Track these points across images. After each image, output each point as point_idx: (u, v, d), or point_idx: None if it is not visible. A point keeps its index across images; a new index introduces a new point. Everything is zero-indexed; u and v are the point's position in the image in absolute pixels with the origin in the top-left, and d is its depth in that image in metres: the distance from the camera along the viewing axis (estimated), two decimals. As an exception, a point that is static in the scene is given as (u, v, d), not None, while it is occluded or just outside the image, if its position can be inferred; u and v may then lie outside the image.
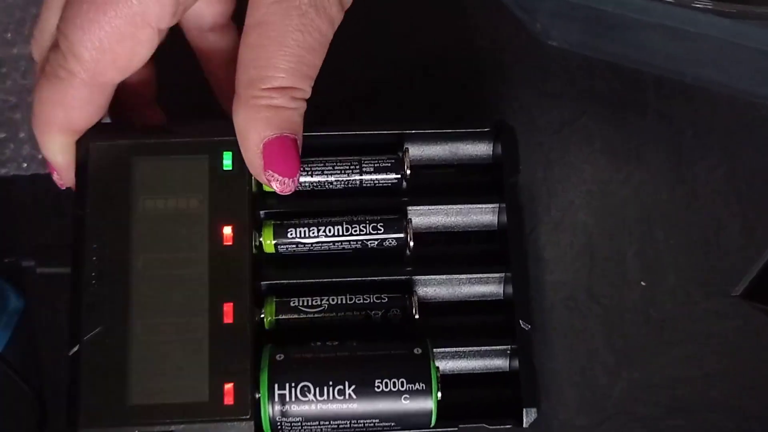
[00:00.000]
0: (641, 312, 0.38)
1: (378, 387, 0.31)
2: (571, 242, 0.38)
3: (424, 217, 0.36)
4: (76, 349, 0.31)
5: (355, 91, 0.41)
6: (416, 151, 0.36)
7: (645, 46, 0.40)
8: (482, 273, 0.35)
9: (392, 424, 0.31)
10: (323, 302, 0.34)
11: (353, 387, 0.31)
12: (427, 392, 0.31)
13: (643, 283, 0.38)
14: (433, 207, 0.36)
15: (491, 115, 0.40)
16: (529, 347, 0.34)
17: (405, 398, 0.31)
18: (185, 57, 0.37)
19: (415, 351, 0.32)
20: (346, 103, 0.41)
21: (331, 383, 0.31)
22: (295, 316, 0.34)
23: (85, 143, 0.33)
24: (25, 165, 0.42)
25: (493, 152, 0.36)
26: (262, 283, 0.34)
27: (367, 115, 0.40)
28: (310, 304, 0.34)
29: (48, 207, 0.40)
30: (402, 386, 0.31)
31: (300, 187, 0.35)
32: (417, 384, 0.31)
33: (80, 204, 0.33)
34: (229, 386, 0.31)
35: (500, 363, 0.34)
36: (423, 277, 0.35)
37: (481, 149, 0.36)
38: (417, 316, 0.34)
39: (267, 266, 0.35)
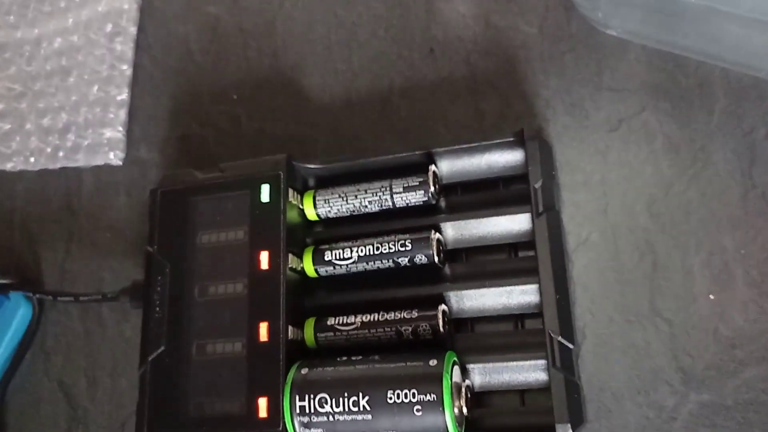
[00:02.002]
0: (710, 328, 0.34)
1: (390, 398, 0.31)
2: (631, 250, 0.35)
3: (458, 231, 0.36)
4: (143, 369, 0.36)
5: (390, 87, 0.41)
6: (447, 167, 0.37)
7: (716, 37, 0.37)
8: (516, 285, 0.34)
9: (411, 437, 0.31)
10: (356, 320, 0.35)
11: (367, 398, 0.31)
12: (437, 404, 0.31)
13: (711, 297, 0.34)
14: (464, 221, 0.36)
15: (540, 112, 0.38)
16: (566, 360, 0.32)
17: (417, 410, 0.31)
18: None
19: (430, 363, 0.32)
20: (383, 100, 0.41)
21: (346, 395, 0.32)
22: (331, 334, 0.35)
23: (155, 191, 0.38)
24: (33, 159, 0.37)
25: (524, 160, 0.36)
26: (303, 305, 0.36)
27: (402, 120, 0.40)
28: (344, 322, 0.35)
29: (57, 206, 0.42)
30: (414, 398, 0.31)
31: (338, 214, 0.37)
32: (428, 395, 0.31)
33: (150, 242, 0.38)
34: (263, 400, 0.34)
35: (542, 377, 0.33)
36: (456, 291, 0.35)
37: (513, 158, 0.36)
38: (442, 330, 0.34)
39: (310, 289, 0.37)
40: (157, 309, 0.37)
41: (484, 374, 0.34)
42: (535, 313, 0.34)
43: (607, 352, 0.35)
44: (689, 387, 0.33)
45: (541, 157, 0.34)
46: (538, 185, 0.34)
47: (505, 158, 0.36)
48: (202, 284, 0.36)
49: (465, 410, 0.32)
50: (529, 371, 0.33)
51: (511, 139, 0.35)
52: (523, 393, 0.34)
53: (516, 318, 0.35)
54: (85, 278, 0.43)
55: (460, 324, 0.36)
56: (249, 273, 0.36)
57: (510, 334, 0.35)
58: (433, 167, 0.36)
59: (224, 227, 0.37)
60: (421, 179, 0.36)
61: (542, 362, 0.33)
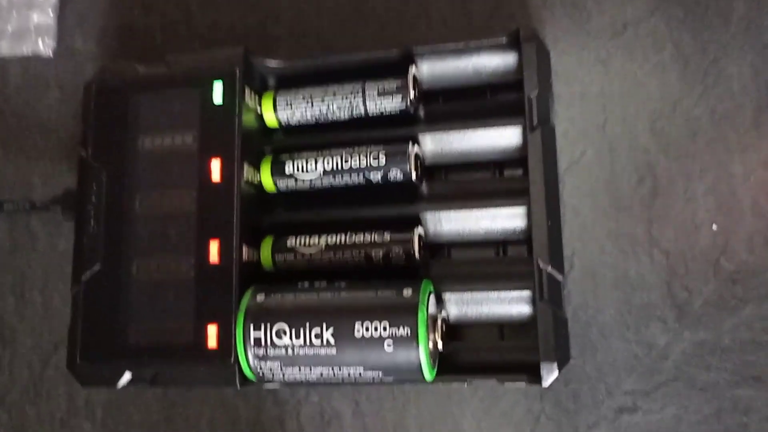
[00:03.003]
0: (711, 261, 0.31)
1: (358, 331, 0.28)
2: (629, 172, 0.32)
3: (438, 145, 0.32)
4: (75, 289, 0.31)
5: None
6: (428, 70, 0.32)
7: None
8: (502, 207, 0.30)
9: (379, 374, 0.28)
10: (320, 242, 0.31)
11: (331, 330, 0.28)
12: (411, 338, 0.27)
13: (714, 227, 0.31)
14: (447, 133, 0.31)
15: (536, 13, 0.34)
16: (553, 292, 0.29)
17: (388, 344, 0.27)
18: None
19: (404, 292, 0.28)
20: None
21: (308, 325, 0.28)
22: (291, 256, 0.31)
23: (89, 86, 0.33)
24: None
25: (517, 66, 0.31)
26: (259, 222, 0.32)
27: (378, 16, 0.35)
28: (306, 243, 0.31)
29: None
30: (384, 331, 0.27)
31: (301, 121, 0.33)
32: (401, 329, 0.27)
33: (84, 145, 0.33)
34: (212, 328, 0.30)
35: (524, 310, 0.30)
36: (434, 212, 0.31)
37: (504, 63, 0.31)
38: (417, 256, 0.30)
39: (268, 205, 0.33)
40: (92, 222, 0.32)
41: (461, 305, 0.30)
42: (521, 239, 0.31)
43: (596, 283, 0.31)
44: (684, 324, 0.30)
45: (538, 62, 0.30)
46: (533, 95, 0.30)
47: (495, 62, 0.31)
48: (144, 195, 0.32)
49: (440, 344, 0.28)
50: (512, 303, 0.30)
51: (504, 40, 0.31)
52: (502, 326, 0.31)
53: (498, 244, 0.31)
54: (11, 184, 0.38)
55: (436, 249, 0.32)
56: (198, 184, 0.31)
57: (491, 261, 0.31)
58: (413, 69, 0.31)
59: (169, 131, 0.32)
60: (398, 83, 0.31)
61: (526, 294, 0.29)
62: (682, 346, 0.30)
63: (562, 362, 0.28)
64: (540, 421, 0.31)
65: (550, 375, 0.28)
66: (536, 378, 0.28)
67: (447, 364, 0.29)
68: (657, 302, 0.31)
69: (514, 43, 0.31)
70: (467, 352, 0.30)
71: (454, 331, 0.31)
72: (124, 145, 0.32)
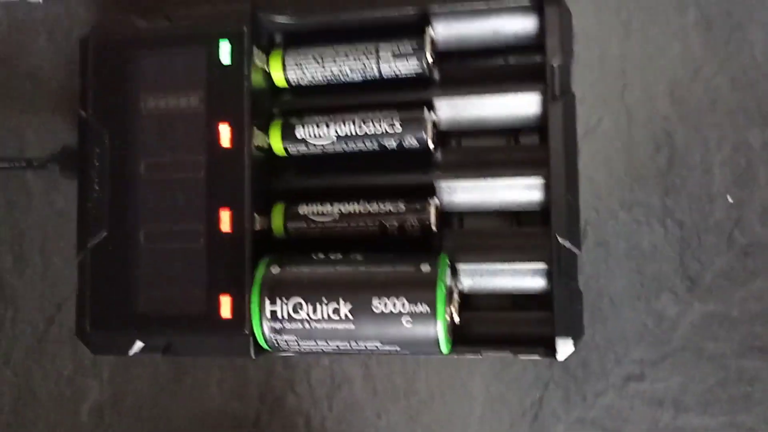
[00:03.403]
0: (724, 233, 0.31)
1: (376, 308, 0.27)
2: (646, 140, 0.31)
3: (454, 111, 0.31)
4: (82, 256, 0.31)
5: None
6: (445, 31, 0.31)
7: None
8: (519, 177, 0.30)
9: (396, 348, 0.28)
10: (334, 210, 0.31)
11: (349, 306, 0.28)
12: (430, 315, 0.27)
13: (729, 199, 0.31)
14: (464, 98, 0.30)
15: None
16: (570, 266, 0.28)
17: (407, 321, 0.27)
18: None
19: (422, 268, 0.28)
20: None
21: (325, 301, 0.28)
22: (303, 224, 0.31)
23: (85, 42, 0.31)
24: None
25: (539, 29, 0.30)
26: (270, 188, 0.31)
27: None
28: (319, 211, 0.31)
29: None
30: (403, 307, 0.27)
31: (314, 81, 0.31)
32: (419, 305, 0.27)
33: (83, 105, 0.31)
34: (225, 299, 0.29)
35: (538, 283, 0.30)
36: (448, 182, 0.30)
37: (525, 26, 0.30)
38: (434, 228, 0.30)
39: (277, 169, 0.32)
40: (96, 187, 0.31)
41: (475, 276, 0.30)
42: (535, 210, 0.30)
43: (608, 253, 0.31)
44: (694, 296, 0.31)
45: (561, 28, 0.29)
46: (556, 63, 0.29)
47: (515, 24, 0.30)
48: (150, 159, 0.31)
49: (456, 317, 0.29)
50: (526, 275, 0.30)
51: (527, 1, 0.29)
52: (515, 297, 0.31)
53: (513, 215, 0.31)
54: (3, 137, 0.37)
55: (449, 217, 0.31)
56: (206, 149, 0.30)
57: (506, 232, 0.31)
58: (430, 31, 0.30)
59: (174, 91, 0.30)
60: (415, 45, 0.30)
61: (541, 266, 0.29)
62: (691, 317, 0.31)
63: (577, 336, 0.28)
64: (549, 387, 0.32)
65: (565, 349, 0.28)
66: (551, 351, 0.28)
67: (460, 335, 0.30)
68: (669, 273, 0.31)
69: (536, 6, 0.29)
70: (480, 323, 0.30)
71: (467, 300, 0.31)
72: (126, 106, 0.31)
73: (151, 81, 0.31)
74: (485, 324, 0.30)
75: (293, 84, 0.32)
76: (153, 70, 0.31)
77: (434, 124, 0.30)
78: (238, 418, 0.34)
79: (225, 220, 0.30)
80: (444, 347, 0.28)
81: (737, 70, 0.31)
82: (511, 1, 0.29)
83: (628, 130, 0.32)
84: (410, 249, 0.30)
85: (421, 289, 0.27)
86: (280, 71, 0.31)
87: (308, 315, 0.28)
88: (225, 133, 0.30)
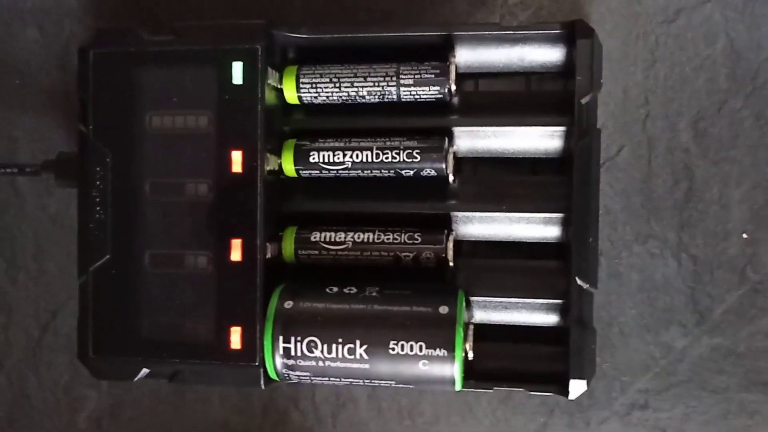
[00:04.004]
0: (737, 269, 0.31)
1: (393, 349, 0.27)
2: (665, 172, 0.31)
3: (473, 140, 0.30)
4: (84, 278, 0.30)
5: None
6: (468, 56, 0.29)
7: None
8: (538, 212, 0.29)
9: (411, 386, 0.28)
10: (347, 239, 0.30)
11: (365, 347, 0.27)
12: (449, 359, 0.27)
13: (745, 235, 0.31)
14: (484, 128, 0.29)
15: (578, 2, 0.31)
16: (587, 307, 0.28)
17: (423, 363, 0.27)
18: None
19: (441, 310, 0.27)
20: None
21: (340, 341, 0.27)
22: (315, 252, 0.30)
23: (86, 52, 0.29)
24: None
25: (566, 59, 0.29)
26: (280, 211, 0.30)
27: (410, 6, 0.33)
28: (332, 240, 0.30)
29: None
30: (420, 351, 0.27)
31: (328, 101, 0.30)
32: (438, 350, 0.27)
33: (83, 120, 0.29)
34: (236, 330, 0.29)
35: (552, 319, 0.30)
36: (465, 213, 0.30)
37: (551, 55, 0.29)
38: (451, 263, 0.29)
39: (288, 191, 0.31)
40: (98, 208, 0.29)
41: (487, 309, 0.30)
42: (553, 243, 0.30)
43: (620, 284, 0.31)
44: (703, 330, 0.31)
45: (592, 62, 0.28)
46: (585, 100, 0.28)
47: (542, 54, 0.29)
48: (155, 181, 0.29)
49: (470, 354, 0.28)
50: (540, 310, 0.29)
51: (558, 31, 0.28)
52: (528, 330, 0.30)
53: (527, 246, 0.30)
54: (-10, 136, 0.35)
55: (462, 245, 0.31)
56: (216, 174, 0.29)
57: (522, 267, 0.30)
58: (454, 56, 0.29)
59: (181, 110, 0.29)
60: (437, 70, 0.29)
61: (557, 302, 0.29)
62: (698, 350, 0.31)
63: (590, 376, 0.28)
64: (554, 413, 0.32)
65: (577, 390, 0.28)
66: (563, 389, 0.28)
67: (471, 368, 0.29)
68: (679, 307, 0.31)
69: (567, 36, 0.28)
70: (491, 356, 0.30)
71: (478, 331, 0.30)
72: (130, 124, 0.29)
73: (156, 98, 0.29)
74: (496, 358, 0.30)
75: (306, 102, 0.30)
76: (159, 87, 0.29)
77: (454, 154, 0.29)
78: (241, 433, 0.34)
79: (236, 248, 0.29)
80: (459, 385, 0.28)
81: (763, 105, 0.30)
82: (540, 31, 0.28)
83: (648, 161, 0.31)
84: (424, 279, 0.30)
85: (439, 334, 0.27)
86: (294, 91, 0.30)
87: (323, 354, 0.27)
88: (236, 158, 0.28)
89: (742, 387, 0.31)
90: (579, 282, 0.28)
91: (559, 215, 0.29)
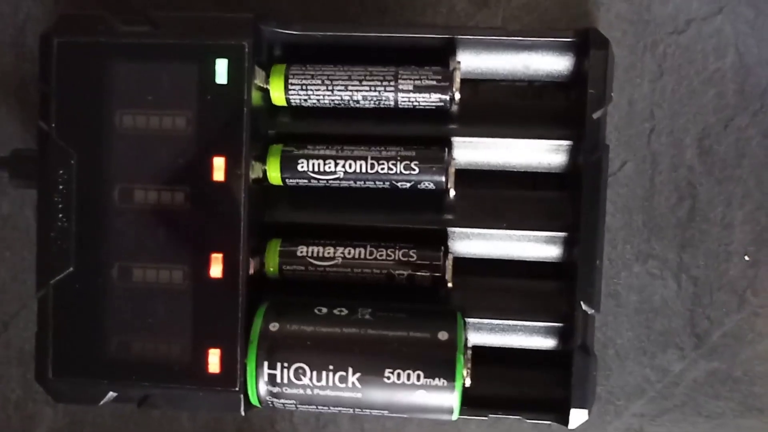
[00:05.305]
0: (737, 292, 0.30)
1: (388, 378, 0.25)
2: (668, 190, 0.29)
3: (473, 151, 0.28)
4: (43, 292, 0.27)
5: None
6: (470, 61, 0.27)
7: None
8: (540, 230, 0.28)
9: (405, 414, 0.26)
10: (336, 254, 0.28)
11: (358, 375, 0.25)
12: (448, 388, 0.25)
13: (747, 258, 0.30)
14: (486, 139, 0.27)
15: (586, 6, 0.30)
16: (589, 332, 0.27)
17: (421, 393, 0.25)
18: None
19: (440, 336, 0.26)
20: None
21: (331, 368, 0.25)
22: (302, 268, 0.28)
23: (49, 38, 0.26)
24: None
25: (575, 69, 0.27)
26: (262, 222, 0.28)
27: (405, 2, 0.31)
28: (319, 255, 0.28)
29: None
30: (418, 380, 0.25)
31: (318, 104, 0.28)
32: (437, 380, 0.25)
33: (44, 116, 0.26)
34: (214, 352, 0.26)
35: (551, 342, 0.28)
36: (463, 229, 0.28)
37: (559, 64, 0.27)
38: (449, 284, 0.27)
39: (272, 200, 0.28)
40: (61, 215, 0.26)
41: (483, 331, 0.28)
42: (554, 264, 0.28)
43: (618, 305, 0.30)
44: (700, 353, 0.30)
45: (605, 75, 0.26)
46: (597, 115, 0.26)
47: (550, 62, 0.27)
48: (126, 186, 0.26)
49: (468, 381, 0.27)
50: (539, 334, 0.28)
51: (570, 39, 0.26)
52: (523, 353, 0.29)
53: (526, 266, 0.29)
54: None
55: (458, 262, 0.29)
56: (195, 181, 0.26)
57: (521, 288, 0.29)
58: (458, 62, 0.27)
59: (157, 110, 0.26)
60: (439, 77, 0.27)
61: (556, 325, 0.28)
62: (695, 374, 0.30)
63: (591, 405, 0.27)
64: (546, 437, 0.31)
65: (578, 420, 0.27)
66: (563, 418, 0.27)
67: (466, 393, 0.28)
68: (677, 329, 0.30)
69: (578, 44, 0.26)
70: (487, 381, 0.28)
71: (473, 354, 0.29)
72: (99, 123, 0.26)
73: (129, 95, 0.26)
74: (492, 382, 0.28)
75: (294, 104, 0.28)
76: (132, 83, 0.26)
77: (454, 167, 0.27)
78: (212, 455, 0.32)
79: (216, 263, 0.26)
80: (456, 414, 0.26)
81: (769, 123, 0.29)
82: (550, 38, 0.26)
83: (651, 178, 0.30)
84: (418, 298, 0.28)
85: (439, 362, 0.25)
86: (281, 92, 0.27)
87: (311, 381, 0.25)
88: (218, 165, 0.26)
89: (737, 413, 0.30)
90: (584, 307, 0.26)
91: (562, 234, 0.27)
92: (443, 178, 0.27)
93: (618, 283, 0.30)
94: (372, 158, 0.27)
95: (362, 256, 0.27)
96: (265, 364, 0.25)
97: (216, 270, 0.26)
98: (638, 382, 0.30)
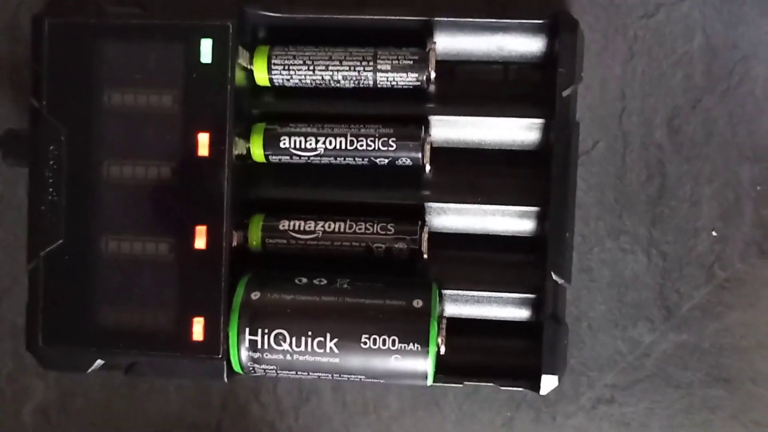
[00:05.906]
0: (705, 266, 0.31)
1: (365, 343, 0.26)
2: (639, 168, 0.31)
3: (449, 129, 0.29)
4: (34, 264, 0.28)
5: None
6: (447, 43, 0.29)
7: None
8: (514, 204, 0.29)
9: (381, 380, 0.27)
10: (317, 228, 0.29)
11: (335, 340, 0.26)
12: (422, 354, 0.26)
13: (714, 233, 0.31)
14: (462, 118, 0.29)
15: None
16: (560, 302, 0.28)
17: (396, 358, 0.26)
18: None
19: (415, 303, 0.27)
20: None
21: (310, 333, 0.26)
22: (283, 241, 0.29)
23: (40, 20, 0.27)
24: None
25: (547, 50, 0.28)
26: (247, 197, 0.29)
27: None
28: (301, 228, 0.29)
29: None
30: (393, 345, 0.26)
31: (300, 84, 0.29)
32: (412, 345, 0.26)
33: (37, 95, 0.27)
34: (198, 320, 0.27)
35: (523, 313, 0.29)
36: (439, 204, 0.29)
37: (532, 45, 0.28)
38: (425, 255, 0.28)
39: (255, 177, 0.29)
40: (51, 189, 0.28)
41: (458, 303, 0.29)
42: (527, 237, 0.29)
43: (591, 280, 0.31)
44: (669, 326, 0.31)
45: (574, 55, 0.27)
46: (566, 93, 0.27)
47: (523, 43, 0.28)
48: (114, 162, 0.28)
49: (442, 349, 0.28)
50: (513, 305, 0.29)
51: (541, 21, 0.27)
52: (498, 324, 0.30)
53: (500, 239, 0.30)
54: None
55: (434, 237, 0.30)
56: (180, 156, 0.27)
57: (495, 261, 0.30)
58: (433, 44, 0.28)
59: (144, 88, 0.27)
60: (416, 56, 0.28)
61: (529, 296, 0.29)
62: (664, 345, 0.31)
63: (561, 372, 0.28)
64: (521, 407, 0.32)
65: (549, 385, 0.28)
66: (535, 385, 0.28)
67: (442, 362, 0.29)
68: (648, 302, 0.31)
69: (549, 28, 0.27)
70: (461, 351, 0.29)
71: (449, 324, 0.30)
72: (88, 101, 0.27)
73: (117, 74, 0.27)
74: (466, 352, 0.29)
75: (277, 84, 0.29)
76: (121, 62, 0.27)
77: (430, 145, 0.29)
78: (198, 427, 0.33)
79: (200, 235, 0.27)
80: (430, 379, 0.27)
81: (736, 104, 0.30)
82: (521, 21, 0.27)
83: (622, 156, 0.31)
84: (395, 271, 0.29)
85: (413, 328, 0.26)
86: (265, 72, 0.28)
87: (291, 347, 0.26)
88: (203, 141, 0.27)
89: (705, 383, 0.31)
90: (554, 277, 0.27)
91: (535, 209, 0.29)
92: (419, 155, 0.28)
93: (591, 258, 0.31)
94: (351, 135, 0.28)
95: (342, 229, 0.29)
96: (247, 330, 0.26)
97: (200, 242, 0.27)
98: (610, 354, 0.31)
